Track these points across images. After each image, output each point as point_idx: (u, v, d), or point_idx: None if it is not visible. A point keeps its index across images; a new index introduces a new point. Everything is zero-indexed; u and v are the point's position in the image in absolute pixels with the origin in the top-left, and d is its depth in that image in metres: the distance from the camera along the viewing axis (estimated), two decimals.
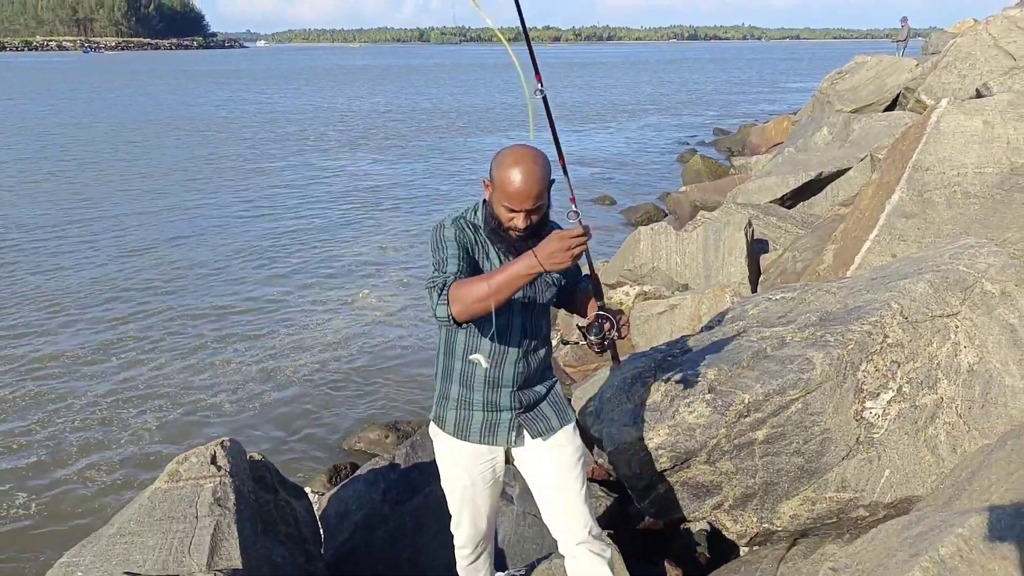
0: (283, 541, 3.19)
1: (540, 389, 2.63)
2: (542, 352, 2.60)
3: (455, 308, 2.16)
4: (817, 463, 3.12)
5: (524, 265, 2.09)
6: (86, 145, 23.65)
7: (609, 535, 3.45)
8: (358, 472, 4.34)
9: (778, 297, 3.99)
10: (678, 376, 3.43)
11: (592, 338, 2.42)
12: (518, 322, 2.49)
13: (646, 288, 6.40)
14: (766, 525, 3.27)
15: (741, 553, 3.43)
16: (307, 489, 3.94)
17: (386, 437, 6.40)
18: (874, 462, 3.06)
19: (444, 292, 2.19)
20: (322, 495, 4.64)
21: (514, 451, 2.67)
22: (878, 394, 3.12)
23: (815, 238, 6.44)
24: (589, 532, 2.60)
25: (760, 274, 6.82)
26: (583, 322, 2.49)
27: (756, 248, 7.20)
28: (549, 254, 2.04)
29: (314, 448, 6.46)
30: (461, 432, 2.59)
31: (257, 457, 3.35)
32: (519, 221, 2.31)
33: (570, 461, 2.62)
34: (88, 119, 31.13)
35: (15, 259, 11.57)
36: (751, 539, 3.35)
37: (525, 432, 2.60)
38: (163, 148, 23.20)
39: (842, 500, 3.09)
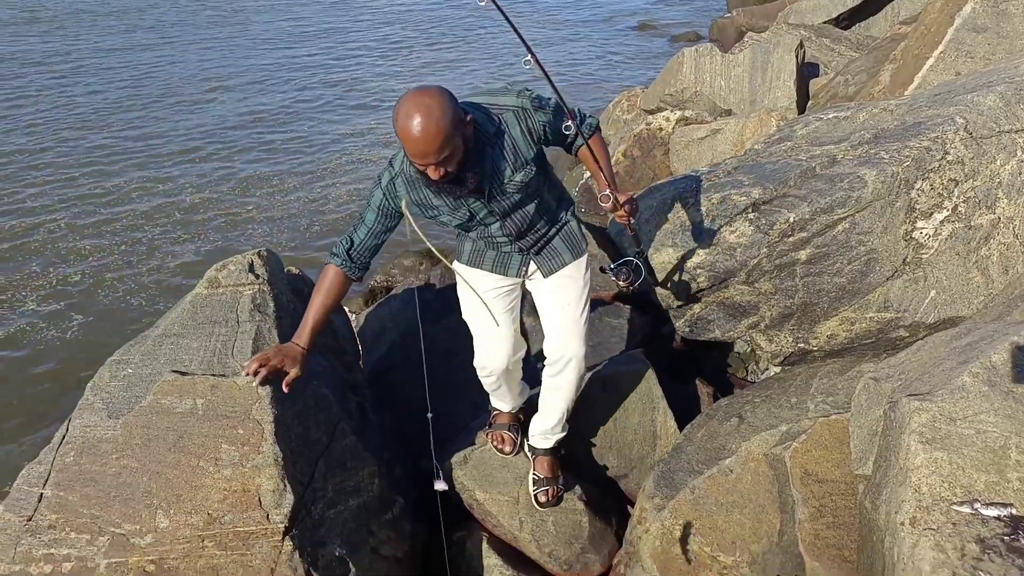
0: (323, 352, 3.25)
1: (550, 233, 2.64)
2: (540, 224, 2.58)
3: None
4: (860, 283, 3.05)
5: (299, 332, 2.54)
6: None
7: (644, 353, 3.49)
8: (394, 291, 4.39)
9: (830, 116, 3.77)
10: (720, 196, 3.31)
11: (620, 282, 2.70)
12: (496, 227, 2.51)
13: (687, 113, 6.13)
14: (802, 345, 3.27)
15: (774, 372, 3.45)
16: (344, 308, 3.99)
17: (420, 264, 6.45)
18: (920, 283, 2.99)
19: (331, 255, 2.57)
20: (358, 314, 4.74)
21: (527, 282, 2.76)
22: (931, 214, 2.99)
23: (871, 60, 6.03)
24: (578, 350, 2.69)
25: (808, 99, 6.48)
26: (611, 265, 2.77)
27: (806, 72, 6.79)
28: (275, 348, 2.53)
29: None
30: (475, 262, 2.70)
31: (294, 271, 3.37)
32: (431, 173, 2.18)
33: (575, 296, 2.67)
34: None
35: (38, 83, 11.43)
36: (785, 359, 3.36)
37: (536, 267, 2.68)
38: None
39: (883, 320, 3.05)
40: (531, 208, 2.50)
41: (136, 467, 2.39)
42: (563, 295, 2.67)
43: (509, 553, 2.98)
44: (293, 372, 2.48)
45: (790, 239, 3.07)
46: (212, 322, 2.69)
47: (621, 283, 2.69)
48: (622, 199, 2.42)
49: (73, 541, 2.28)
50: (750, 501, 2.67)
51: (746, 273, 3.17)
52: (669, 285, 3.31)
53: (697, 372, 3.92)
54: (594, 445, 3.30)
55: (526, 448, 3.09)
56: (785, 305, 3.19)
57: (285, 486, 2.40)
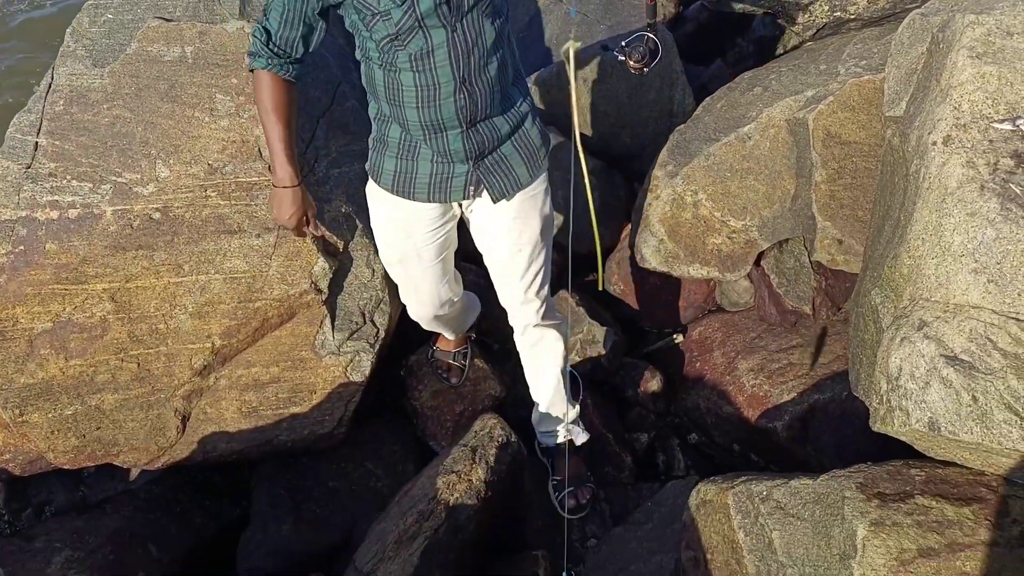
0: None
1: (501, 123, 1.94)
2: (493, 69, 1.84)
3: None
4: None
5: (276, 170, 1.98)
6: None
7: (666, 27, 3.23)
8: None
9: None
10: None
11: (632, 62, 2.04)
12: (441, 38, 1.74)
13: None
14: (838, 13, 2.99)
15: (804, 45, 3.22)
16: None
17: None
18: None
19: (251, 57, 1.89)
20: None
21: (466, 210, 2.12)
22: None
23: None
24: (540, 314, 2.22)
25: None
26: (622, 43, 2.08)
27: None
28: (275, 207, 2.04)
29: None
30: (403, 188, 1.99)
31: None
32: None
33: (530, 236, 2.08)
34: None
35: None
36: (818, 31, 3.11)
37: (484, 186, 2.01)
38: None
39: None
40: (488, 31, 1.79)
41: (129, 117, 2.29)
42: (515, 236, 2.07)
43: None
44: (314, 223, 2.10)
45: None
46: None
47: (633, 63, 2.05)
48: None
49: (76, 189, 2.25)
50: (766, 167, 2.60)
51: None
52: None
53: (721, 57, 3.69)
54: (607, 121, 3.17)
55: (537, 450, 2.53)
56: None
57: None
